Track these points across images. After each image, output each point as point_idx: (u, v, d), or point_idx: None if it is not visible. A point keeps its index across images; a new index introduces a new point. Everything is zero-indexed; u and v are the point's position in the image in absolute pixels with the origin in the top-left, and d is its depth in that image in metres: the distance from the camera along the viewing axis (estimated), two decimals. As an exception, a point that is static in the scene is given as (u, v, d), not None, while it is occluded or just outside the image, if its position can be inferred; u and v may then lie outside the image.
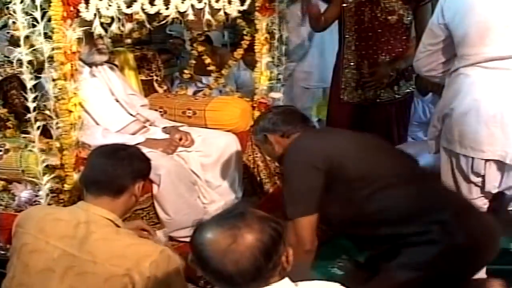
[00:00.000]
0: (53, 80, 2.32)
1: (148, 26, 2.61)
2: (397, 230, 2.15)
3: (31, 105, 2.33)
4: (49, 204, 2.42)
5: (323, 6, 3.92)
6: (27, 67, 2.28)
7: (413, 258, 2.10)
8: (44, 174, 2.44)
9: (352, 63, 3.76)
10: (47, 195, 2.45)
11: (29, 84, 2.30)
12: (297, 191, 2.28)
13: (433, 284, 2.10)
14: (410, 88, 3.80)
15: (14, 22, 2.23)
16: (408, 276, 2.10)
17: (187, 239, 2.99)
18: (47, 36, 2.26)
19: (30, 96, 2.31)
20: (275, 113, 2.60)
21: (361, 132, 2.67)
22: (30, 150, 2.47)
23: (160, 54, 4.18)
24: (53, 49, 2.27)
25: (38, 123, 2.37)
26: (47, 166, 2.46)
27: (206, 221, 1.50)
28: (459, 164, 2.45)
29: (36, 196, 2.49)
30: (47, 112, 2.38)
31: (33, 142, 2.43)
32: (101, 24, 2.28)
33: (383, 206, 2.19)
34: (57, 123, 2.37)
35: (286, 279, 1.49)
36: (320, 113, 5.29)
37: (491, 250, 2.18)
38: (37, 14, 2.20)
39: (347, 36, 3.73)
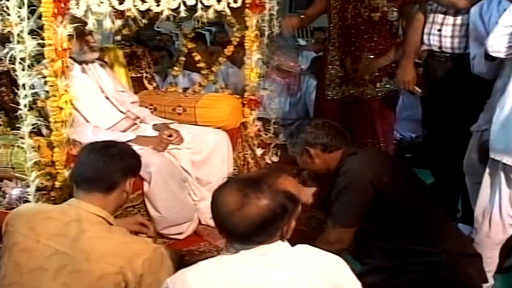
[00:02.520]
0: (44, 77, 2.31)
1: (140, 23, 2.60)
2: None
3: (23, 102, 2.32)
4: (39, 202, 2.40)
5: None
6: (20, 63, 2.27)
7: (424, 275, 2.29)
8: (33, 171, 2.43)
9: (336, 60, 3.77)
10: (36, 192, 2.44)
11: (21, 81, 2.29)
12: (353, 203, 2.41)
13: None
14: (394, 85, 3.81)
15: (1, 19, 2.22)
16: None
17: (178, 236, 3.03)
18: (36, 33, 2.25)
19: (22, 93, 2.30)
20: (314, 126, 2.60)
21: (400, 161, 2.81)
22: (21, 147, 2.45)
23: (153, 51, 4.17)
24: (43, 45, 2.26)
25: (29, 121, 2.36)
26: (37, 163, 2.44)
27: (232, 179, 1.74)
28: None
29: (27, 193, 2.47)
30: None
31: (23, 138, 2.42)
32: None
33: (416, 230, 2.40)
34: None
35: (280, 242, 1.65)
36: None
37: None
38: (23, 11, 2.19)
39: (332, 32, 3.74)
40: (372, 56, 3.68)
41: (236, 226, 1.59)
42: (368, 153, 2.71)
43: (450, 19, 3.23)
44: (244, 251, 1.61)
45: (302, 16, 3.82)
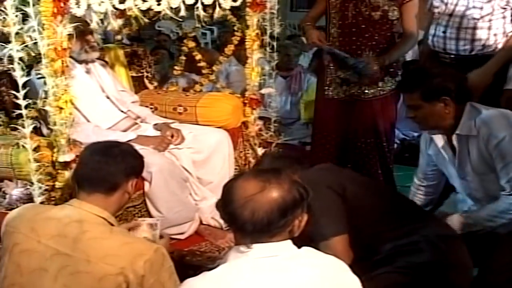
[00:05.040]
0: (43, 77, 2.30)
1: (142, 22, 2.59)
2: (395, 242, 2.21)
3: (23, 103, 2.31)
4: (41, 202, 2.40)
5: None
6: (19, 63, 2.26)
7: (409, 262, 2.14)
8: (36, 171, 2.42)
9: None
10: (40, 193, 2.43)
11: (21, 81, 2.28)
12: (322, 212, 2.19)
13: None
14: (395, 84, 3.79)
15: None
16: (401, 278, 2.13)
17: (179, 236, 3.02)
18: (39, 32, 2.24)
19: (22, 93, 2.29)
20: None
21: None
22: (23, 146, 2.44)
23: (155, 51, 4.16)
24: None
25: (29, 121, 2.35)
26: (37, 162, 2.44)
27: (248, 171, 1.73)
28: None
29: (28, 194, 2.46)
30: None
31: (25, 138, 2.41)
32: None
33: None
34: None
35: (289, 241, 1.61)
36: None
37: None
38: (30, 10, 2.18)
39: (332, 31, 3.72)
40: (373, 55, 3.66)
41: (255, 212, 1.54)
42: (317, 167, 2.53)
43: (455, 22, 3.22)
44: (253, 254, 1.56)
45: (308, 24, 3.78)
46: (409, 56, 4.96)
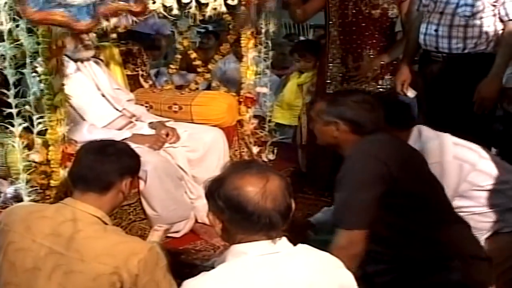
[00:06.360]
0: (39, 75, 2.30)
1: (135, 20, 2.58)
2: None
3: (13, 101, 2.31)
4: (35, 201, 2.39)
5: None
6: (10, 62, 2.26)
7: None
8: (27, 170, 2.41)
9: (337, 57, 3.76)
10: (31, 192, 2.42)
11: (12, 79, 2.27)
12: (354, 197, 2.11)
13: None
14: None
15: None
16: None
17: (175, 235, 3.02)
18: (31, 31, 2.24)
19: (12, 91, 2.29)
20: (357, 101, 2.37)
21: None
22: (12, 146, 2.44)
23: (151, 50, 4.16)
24: (38, 43, 2.25)
25: (19, 120, 2.35)
26: (31, 162, 2.43)
27: (224, 173, 1.63)
28: None
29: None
30: (27, 107, 2.35)
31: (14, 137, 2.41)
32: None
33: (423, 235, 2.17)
34: (37, 118, 2.35)
35: (284, 238, 1.62)
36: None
37: None
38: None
39: (331, 30, 3.72)
40: (373, 53, 3.67)
41: (276, 201, 1.56)
42: (383, 135, 2.35)
43: (447, 20, 3.23)
44: (254, 252, 1.56)
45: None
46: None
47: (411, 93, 3.50)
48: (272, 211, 1.55)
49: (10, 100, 2.32)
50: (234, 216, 1.58)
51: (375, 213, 2.10)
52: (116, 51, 3.68)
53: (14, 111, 2.34)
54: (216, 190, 1.61)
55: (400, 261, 2.17)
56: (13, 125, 2.36)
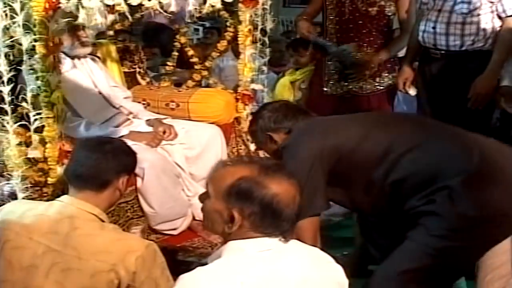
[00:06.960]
0: (36, 72, 2.29)
1: (129, 17, 2.58)
2: (411, 203, 2.10)
3: (7, 98, 2.30)
4: (32, 198, 2.39)
5: None
6: (5, 58, 2.25)
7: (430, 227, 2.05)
8: (21, 167, 2.41)
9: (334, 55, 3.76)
10: (25, 188, 2.42)
11: (6, 76, 2.27)
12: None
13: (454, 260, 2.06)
14: (393, 80, 3.81)
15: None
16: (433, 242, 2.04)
17: (172, 232, 3.02)
18: (27, 28, 2.23)
19: (7, 88, 2.29)
20: (272, 110, 2.46)
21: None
22: (7, 142, 2.43)
23: (149, 47, 4.15)
24: (35, 40, 2.24)
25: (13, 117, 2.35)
26: (29, 159, 2.43)
27: (254, 174, 1.61)
28: None
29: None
30: (24, 104, 2.35)
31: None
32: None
33: (402, 175, 2.12)
34: (34, 115, 2.35)
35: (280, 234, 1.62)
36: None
37: None
38: (17, 6, 2.17)
39: (329, 28, 3.73)
40: (371, 51, 3.67)
41: (296, 204, 1.61)
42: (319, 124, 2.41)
43: (444, 17, 3.23)
44: (251, 249, 1.57)
45: (300, 16, 3.79)
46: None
47: (413, 91, 3.51)
48: (293, 214, 1.61)
49: (4, 96, 2.31)
50: (264, 218, 1.58)
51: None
52: (113, 48, 3.66)
53: (8, 107, 2.33)
54: (251, 192, 1.58)
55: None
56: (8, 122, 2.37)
